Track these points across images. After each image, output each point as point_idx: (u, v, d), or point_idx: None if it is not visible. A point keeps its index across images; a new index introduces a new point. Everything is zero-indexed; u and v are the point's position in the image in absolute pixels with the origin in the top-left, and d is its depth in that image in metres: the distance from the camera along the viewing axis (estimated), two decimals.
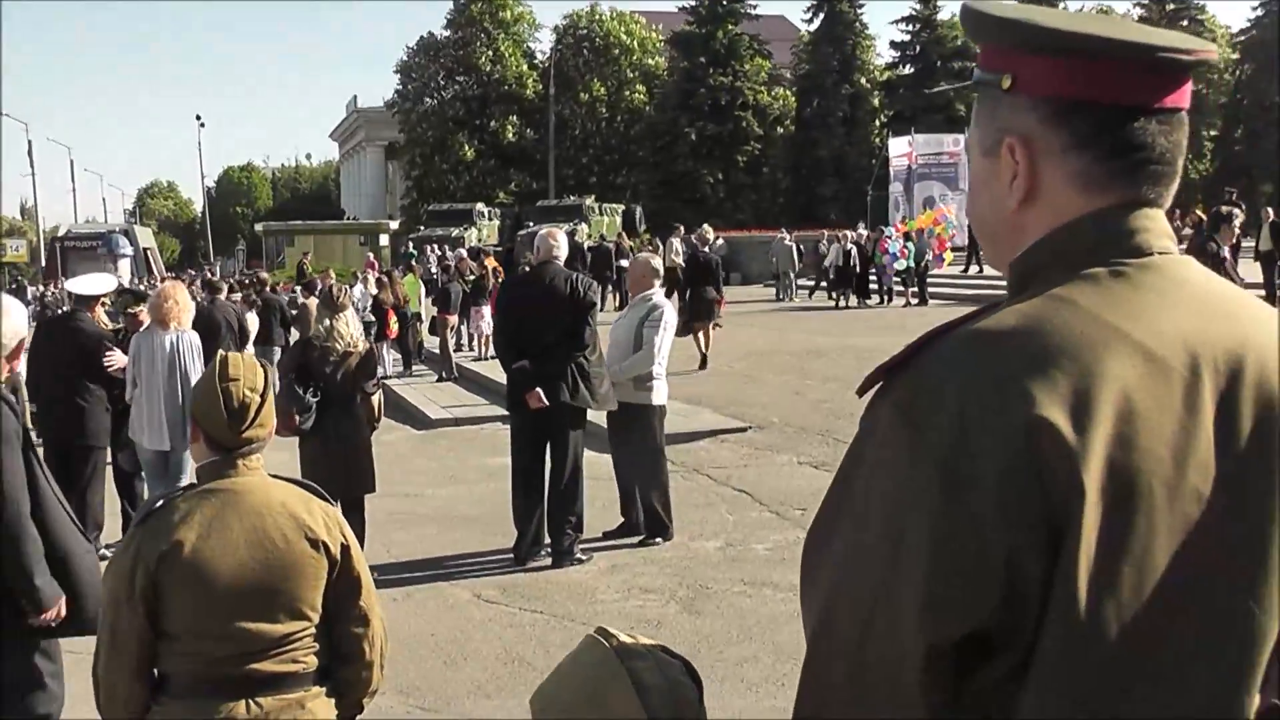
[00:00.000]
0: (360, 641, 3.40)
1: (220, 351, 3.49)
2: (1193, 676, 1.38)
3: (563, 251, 9.22)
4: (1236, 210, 17.61)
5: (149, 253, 63.59)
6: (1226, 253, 14.42)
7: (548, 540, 9.12)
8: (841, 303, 31.33)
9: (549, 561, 9.02)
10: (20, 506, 4.18)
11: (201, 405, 3.27)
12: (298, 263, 41.55)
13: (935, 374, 1.44)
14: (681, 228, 34.67)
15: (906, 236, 32.78)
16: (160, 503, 3.21)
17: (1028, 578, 1.35)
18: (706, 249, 22.94)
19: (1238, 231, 17.41)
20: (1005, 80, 1.59)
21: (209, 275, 23.33)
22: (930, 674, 1.37)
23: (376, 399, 9.16)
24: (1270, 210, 24.88)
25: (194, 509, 3.16)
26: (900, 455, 1.41)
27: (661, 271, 10.12)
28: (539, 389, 8.78)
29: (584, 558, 9.05)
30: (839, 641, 1.45)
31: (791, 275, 35.32)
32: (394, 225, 66.50)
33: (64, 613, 4.26)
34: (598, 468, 10.12)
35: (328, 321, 8.88)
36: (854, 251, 31.50)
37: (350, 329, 8.94)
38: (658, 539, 9.44)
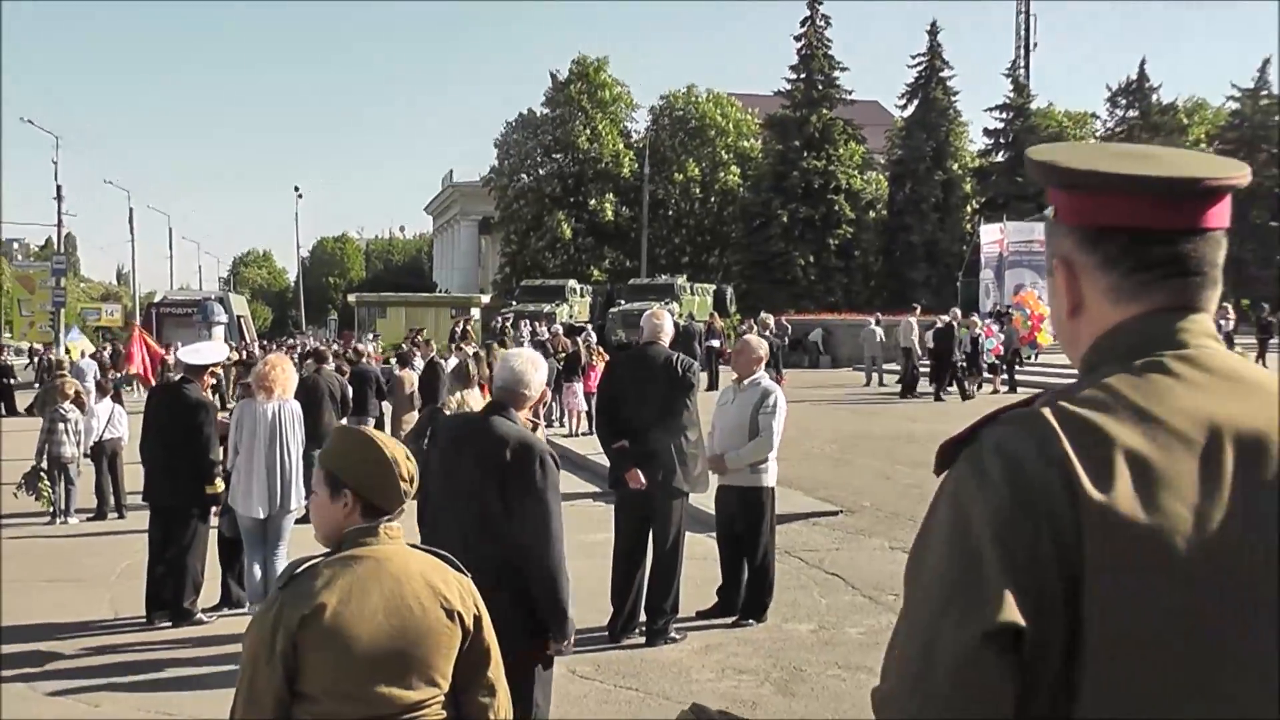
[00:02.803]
0: (486, 712, 3.51)
1: (352, 428, 3.63)
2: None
3: (668, 332, 9.34)
4: None
5: (243, 320, 64.57)
6: None
7: (642, 618, 9.16)
8: (942, 393, 29.81)
9: (643, 639, 9.06)
10: (562, 546, 5.20)
11: (360, 471, 3.38)
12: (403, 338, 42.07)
13: (990, 448, 1.66)
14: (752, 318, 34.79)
15: (998, 320, 32.60)
16: (304, 567, 3.32)
17: (1054, 619, 1.57)
18: (767, 332, 23.27)
19: None
20: (1051, 211, 1.85)
21: (319, 345, 23.61)
22: (990, 649, 1.56)
23: None
24: None
25: (337, 574, 3.27)
26: (970, 494, 1.64)
27: (765, 355, 10.16)
28: (638, 469, 8.89)
29: (678, 636, 9.09)
30: (911, 636, 1.66)
31: (878, 362, 35.31)
32: (485, 299, 67.09)
33: None
34: (692, 547, 10.16)
35: (460, 394, 9.26)
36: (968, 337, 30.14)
37: (477, 402, 9.28)
38: (751, 620, 9.48)
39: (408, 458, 3.45)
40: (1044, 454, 1.61)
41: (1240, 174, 1.76)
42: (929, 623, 1.61)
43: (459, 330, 24.92)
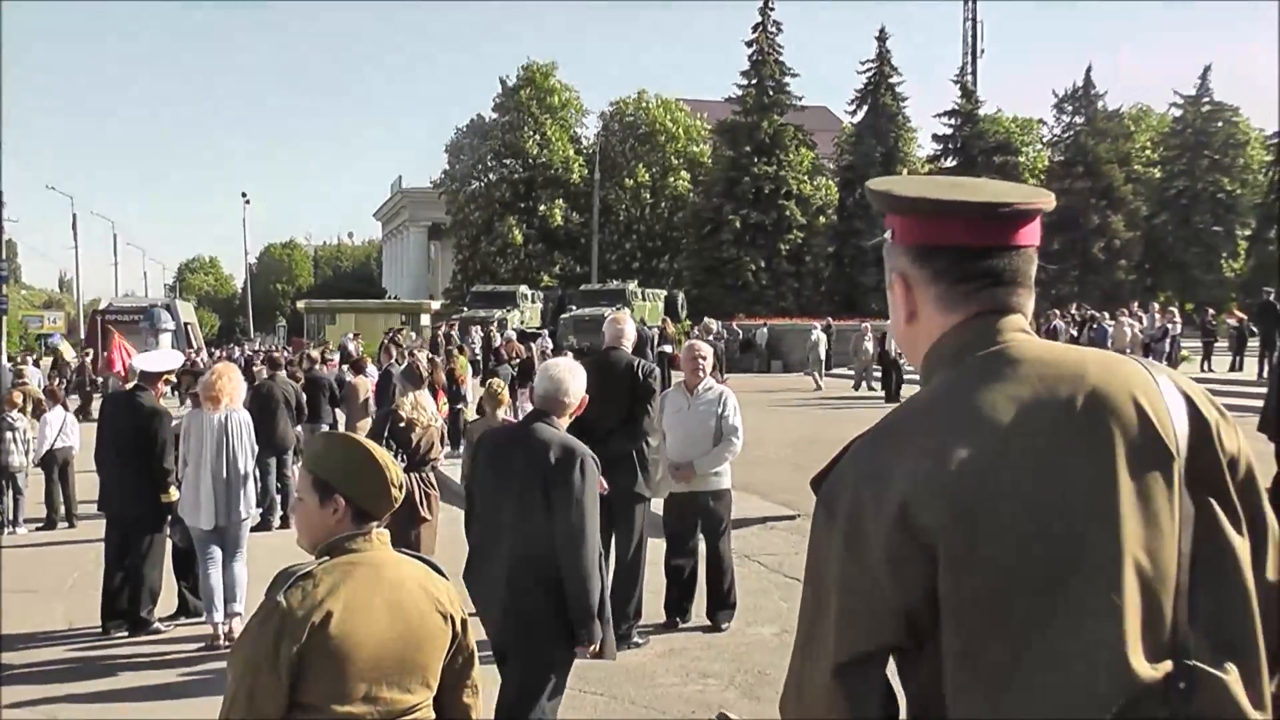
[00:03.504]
0: (469, 712, 3.58)
1: (340, 434, 3.60)
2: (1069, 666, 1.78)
3: (630, 337, 9.32)
4: None
5: (189, 327, 64.14)
6: None
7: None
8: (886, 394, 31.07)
9: None
10: (595, 550, 5.45)
11: (352, 477, 3.37)
12: (341, 343, 41.87)
13: (842, 472, 1.95)
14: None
15: None
16: (301, 573, 3.28)
17: (920, 612, 1.83)
18: (710, 337, 23.63)
19: None
20: (889, 233, 2.13)
21: (272, 352, 23.47)
22: (844, 680, 1.87)
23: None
24: None
25: (339, 581, 3.25)
26: (821, 535, 1.95)
27: (710, 356, 10.17)
28: (599, 476, 8.84)
29: (641, 641, 9.07)
30: (793, 662, 1.98)
31: (822, 366, 36.42)
32: (436, 305, 66.92)
33: None
34: (653, 552, 10.12)
35: (413, 396, 9.28)
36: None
37: (431, 405, 9.35)
38: (725, 623, 9.53)
39: (399, 467, 3.47)
40: (878, 477, 1.87)
41: (1043, 200, 2.05)
42: (797, 653, 1.97)
43: (387, 341, 24.88)
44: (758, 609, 10.02)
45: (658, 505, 9.96)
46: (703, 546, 9.67)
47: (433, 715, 3.42)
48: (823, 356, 36.59)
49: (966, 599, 1.79)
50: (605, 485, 8.75)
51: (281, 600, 3.21)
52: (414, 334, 44.88)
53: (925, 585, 1.81)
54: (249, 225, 78.91)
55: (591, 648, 5.43)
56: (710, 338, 22.53)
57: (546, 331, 41.78)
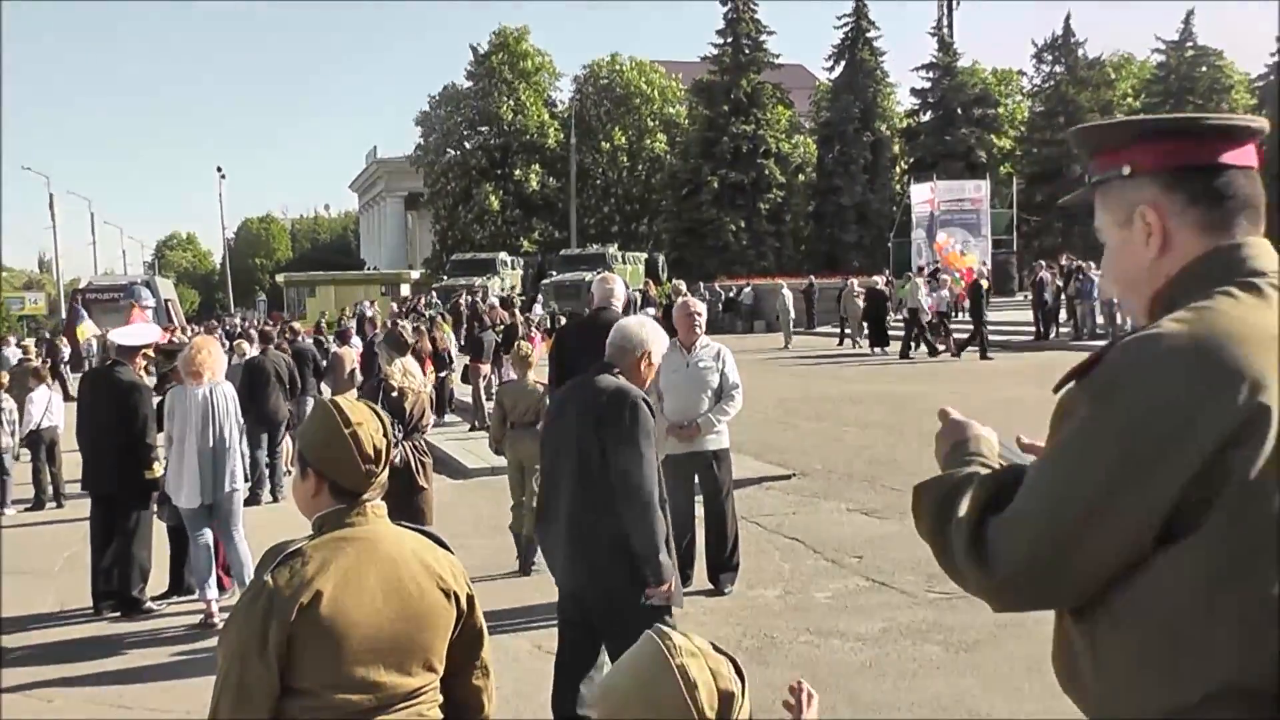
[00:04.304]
0: (480, 695, 3.32)
1: (322, 398, 3.36)
2: None
3: (620, 297, 9.12)
4: None
5: (170, 304, 63.66)
6: None
7: None
8: (878, 350, 31.23)
9: None
10: (655, 492, 5.36)
11: (327, 454, 3.11)
12: (319, 317, 41.60)
13: (1117, 366, 1.98)
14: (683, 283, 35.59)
15: (933, 279, 32.72)
16: (288, 551, 3.08)
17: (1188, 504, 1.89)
18: (680, 298, 23.87)
19: None
20: (1125, 169, 2.16)
21: (266, 326, 23.27)
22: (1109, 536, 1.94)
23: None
24: None
25: (330, 558, 3.01)
26: (1092, 425, 1.97)
27: (704, 313, 10.04)
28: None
29: None
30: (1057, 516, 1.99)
31: (790, 324, 37.00)
32: (415, 275, 66.63)
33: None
34: None
35: (400, 363, 9.08)
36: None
37: (418, 370, 9.17)
38: (729, 585, 9.40)
39: (380, 433, 3.16)
40: (1166, 374, 1.92)
41: (1263, 120, 2.20)
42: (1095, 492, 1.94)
43: (407, 309, 24.67)
44: (759, 570, 9.89)
45: None
46: (700, 510, 9.51)
47: (440, 699, 3.18)
48: (791, 314, 36.88)
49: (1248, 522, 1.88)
50: None
51: (268, 580, 2.98)
52: (393, 304, 44.57)
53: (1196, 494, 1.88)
54: (225, 200, 78.44)
55: (663, 588, 5.35)
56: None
57: (531, 299, 41.54)
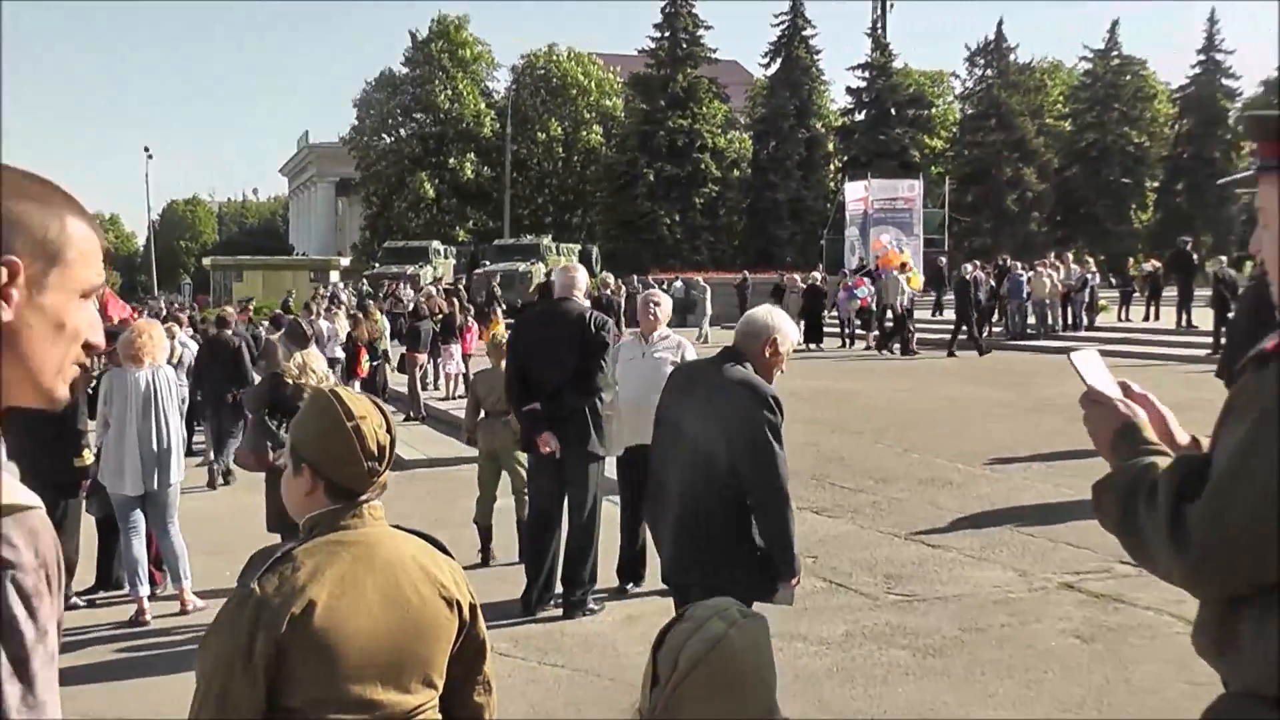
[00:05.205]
0: (482, 712, 3.05)
1: (323, 389, 3.03)
2: None
3: (582, 287, 8.84)
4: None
5: None
6: None
7: (558, 589, 8.71)
8: (812, 347, 31.08)
9: (559, 611, 8.61)
10: (786, 484, 5.22)
11: (324, 448, 2.81)
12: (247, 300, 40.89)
13: None
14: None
15: (871, 277, 32.71)
16: (278, 555, 2.75)
17: None
18: (608, 291, 24.12)
19: None
20: None
21: (223, 309, 22.84)
22: None
23: None
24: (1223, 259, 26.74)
25: (323, 564, 2.71)
26: None
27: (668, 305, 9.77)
28: (549, 433, 8.41)
29: (597, 608, 8.67)
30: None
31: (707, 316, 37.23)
32: (345, 262, 65.95)
33: None
34: (608, 512, 9.68)
35: (299, 357, 8.61)
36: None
37: (320, 364, 8.73)
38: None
39: (384, 428, 2.87)
40: None
41: None
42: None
43: (389, 292, 24.19)
44: None
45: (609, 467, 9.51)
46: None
47: (439, 718, 2.90)
48: (709, 310, 37.19)
49: None
50: (556, 445, 8.38)
51: (255, 588, 2.66)
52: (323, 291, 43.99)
53: None
54: (151, 182, 77.17)
55: (794, 582, 5.35)
56: (607, 291, 22.69)
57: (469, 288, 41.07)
